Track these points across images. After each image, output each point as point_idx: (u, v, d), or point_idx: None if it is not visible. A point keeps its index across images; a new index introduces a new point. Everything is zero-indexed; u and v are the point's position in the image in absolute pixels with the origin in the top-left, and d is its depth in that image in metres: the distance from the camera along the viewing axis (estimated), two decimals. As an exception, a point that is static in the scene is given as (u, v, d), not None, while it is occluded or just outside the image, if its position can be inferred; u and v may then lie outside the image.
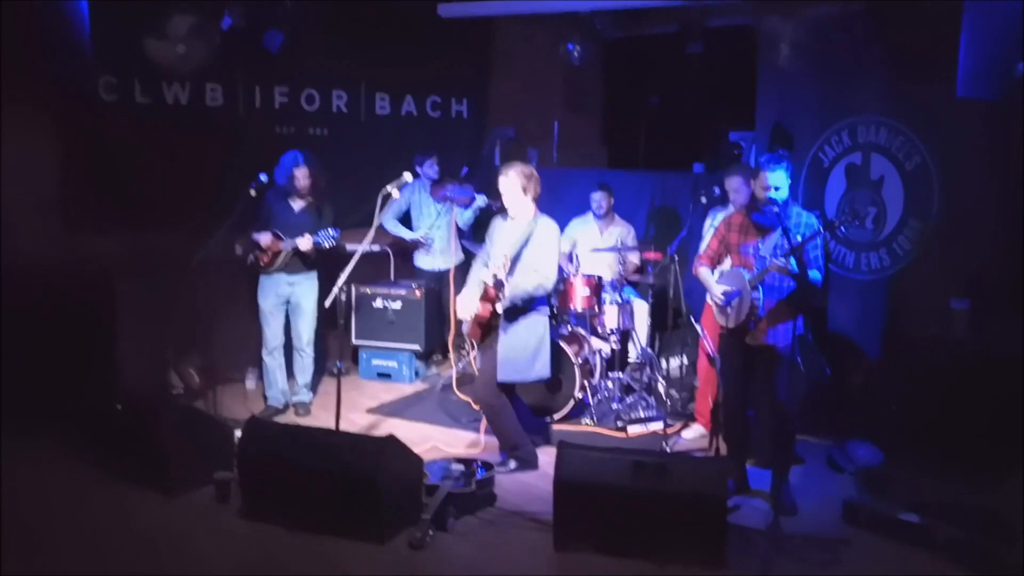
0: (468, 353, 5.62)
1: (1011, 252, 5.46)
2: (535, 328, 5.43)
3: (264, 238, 6.28)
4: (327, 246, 6.16)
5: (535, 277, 5.28)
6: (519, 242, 5.33)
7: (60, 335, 5.96)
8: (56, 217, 6.49)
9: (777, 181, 4.83)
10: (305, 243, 6.17)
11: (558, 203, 8.12)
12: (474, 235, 7.37)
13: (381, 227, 5.32)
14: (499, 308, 5.30)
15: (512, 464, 5.56)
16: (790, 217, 4.92)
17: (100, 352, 6.24)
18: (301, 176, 6.27)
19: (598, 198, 7.16)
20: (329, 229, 6.14)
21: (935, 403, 5.41)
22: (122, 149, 6.75)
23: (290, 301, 6.48)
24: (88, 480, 5.27)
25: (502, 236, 5.48)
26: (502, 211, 5.53)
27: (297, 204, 6.40)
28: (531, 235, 5.33)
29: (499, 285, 5.30)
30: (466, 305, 5.47)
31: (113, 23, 6.68)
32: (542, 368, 5.49)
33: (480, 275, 5.49)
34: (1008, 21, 5.06)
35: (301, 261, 6.33)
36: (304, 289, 6.44)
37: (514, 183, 5.35)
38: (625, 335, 6.97)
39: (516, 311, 5.35)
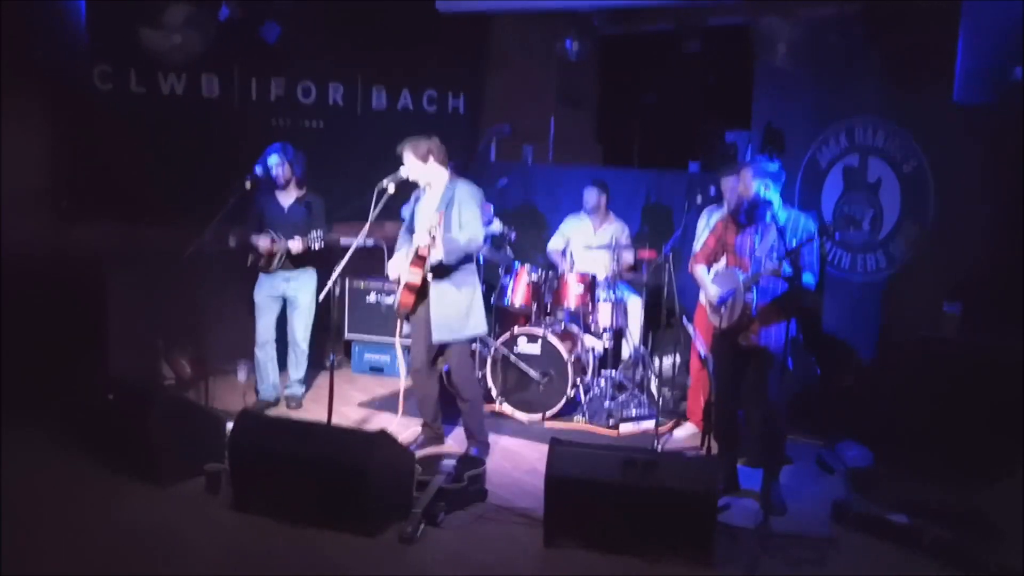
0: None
1: (1004, 256, 5.49)
2: (465, 285, 5.53)
3: (263, 242, 6.27)
4: (316, 247, 6.17)
5: (464, 233, 5.38)
6: (443, 204, 5.43)
7: (52, 325, 5.95)
8: (49, 207, 6.47)
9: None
10: (296, 245, 6.18)
11: (553, 200, 8.14)
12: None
13: (376, 221, 5.33)
14: (433, 259, 5.36)
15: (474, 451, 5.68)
16: (787, 219, 4.94)
17: (92, 342, 6.22)
18: (275, 166, 6.26)
19: (588, 195, 7.17)
20: (314, 231, 6.14)
21: (925, 405, 5.43)
22: (116, 139, 6.73)
23: (286, 296, 6.48)
24: (78, 470, 5.25)
25: (424, 204, 5.57)
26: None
27: (286, 200, 6.39)
28: (452, 196, 5.44)
29: (430, 248, 5.37)
30: (396, 267, 5.57)
31: (109, 12, 6.65)
32: (476, 325, 5.59)
33: (410, 244, 5.55)
34: (1005, 25, 5.08)
35: (294, 260, 6.32)
36: (301, 284, 6.44)
37: (410, 156, 5.46)
38: (618, 333, 6.97)
39: (445, 270, 5.43)
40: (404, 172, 5.43)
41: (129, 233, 6.68)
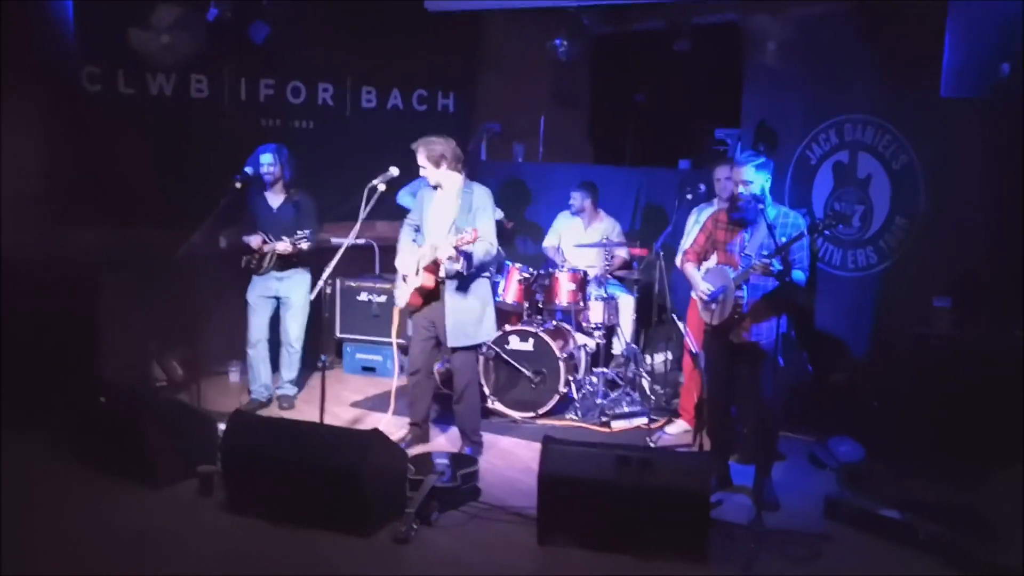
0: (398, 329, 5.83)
1: (993, 250, 5.51)
2: (480, 292, 5.58)
3: (255, 240, 6.26)
4: (304, 246, 6.16)
5: (483, 244, 5.38)
6: (458, 210, 5.45)
7: (43, 327, 5.92)
8: (39, 208, 6.44)
9: (747, 175, 4.87)
10: (284, 246, 6.17)
11: (544, 198, 8.15)
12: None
13: (367, 220, 5.33)
14: (452, 268, 5.39)
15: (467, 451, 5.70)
16: (777, 216, 4.94)
17: (83, 344, 6.20)
18: (267, 164, 6.25)
19: (573, 198, 7.20)
20: (300, 231, 6.13)
21: (917, 400, 5.45)
22: (105, 140, 6.71)
23: (279, 297, 6.47)
24: (71, 473, 5.23)
25: (437, 207, 5.57)
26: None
27: (275, 201, 6.39)
28: (470, 203, 5.47)
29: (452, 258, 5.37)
30: (405, 265, 5.56)
31: (96, 13, 6.63)
32: (489, 330, 5.70)
33: (419, 246, 5.56)
34: (992, 21, 5.10)
35: (284, 261, 6.31)
36: (294, 284, 6.43)
37: (423, 158, 5.45)
38: (610, 330, 6.98)
39: (462, 277, 5.46)
40: (395, 171, 5.42)
41: (120, 235, 6.65)
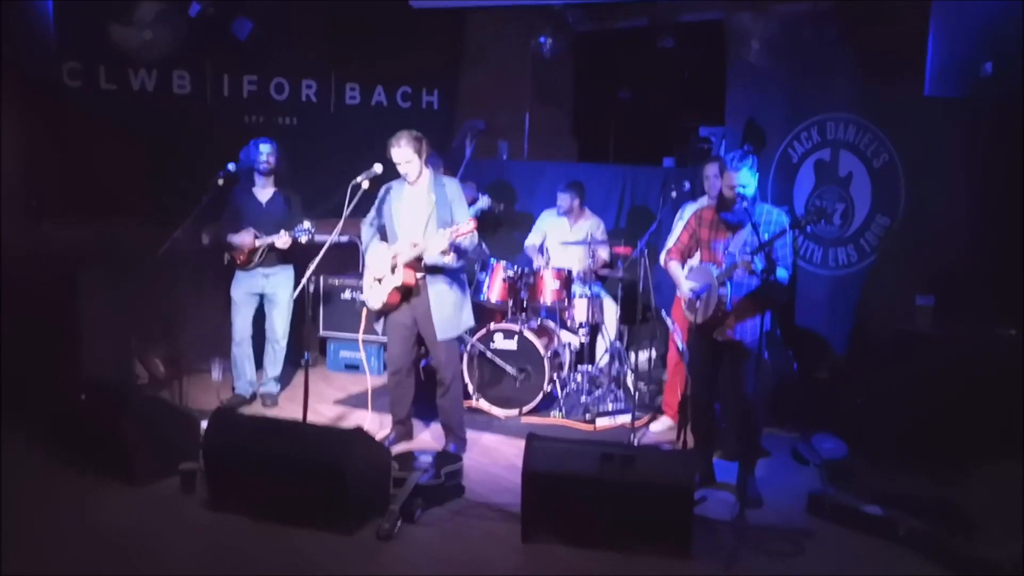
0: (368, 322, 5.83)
1: (975, 249, 5.55)
2: (458, 282, 5.59)
3: (245, 239, 6.22)
4: (303, 240, 6.13)
5: (470, 236, 5.37)
6: (434, 204, 5.42)
7: (23, 324, 5.87)
8: (19, 205, 6.39)
9: (743, 179, 4.85)
10: (283, 241, 6.13)
11: (529, 196, 8.14)
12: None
13: (350, 218, 5.30)
14: (441, 261, 5.36)
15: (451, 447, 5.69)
16: (760, 214, 4.95)
17: (64, 341, 6.15)
18: (266, 154, 6.24)
19: (561, 199, 7.18)
20: (305, 223, 6.11)
21: (899, 397, 5.47)
22: (86, 136, 6.67)
23: (265, 293, 6.43)
24: (51, 471, 5.19)
25: (408, 204, 5.51)
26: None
27: (264, 196, 6.36)
28: (445, 196, 5.44)
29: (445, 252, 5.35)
30: (379, 265, 5.50)
31: (77, 8, 6.58)
32: (468, 318, 5.68)
33: (388, 245, 5.52)
34: (975, 21, 5.13)
35: (276, 255, 6.28)
36: (280, 281, 6.40)
37: (410, 151, 5.38)
38: (594, 328, 6.99)
39: (440, 270, 5.45)
40: (379, 168, 5.39)
41: (101, 231, 6.61)
